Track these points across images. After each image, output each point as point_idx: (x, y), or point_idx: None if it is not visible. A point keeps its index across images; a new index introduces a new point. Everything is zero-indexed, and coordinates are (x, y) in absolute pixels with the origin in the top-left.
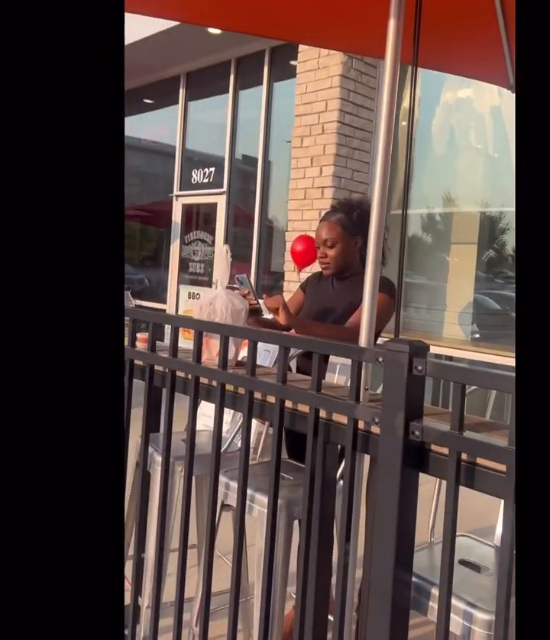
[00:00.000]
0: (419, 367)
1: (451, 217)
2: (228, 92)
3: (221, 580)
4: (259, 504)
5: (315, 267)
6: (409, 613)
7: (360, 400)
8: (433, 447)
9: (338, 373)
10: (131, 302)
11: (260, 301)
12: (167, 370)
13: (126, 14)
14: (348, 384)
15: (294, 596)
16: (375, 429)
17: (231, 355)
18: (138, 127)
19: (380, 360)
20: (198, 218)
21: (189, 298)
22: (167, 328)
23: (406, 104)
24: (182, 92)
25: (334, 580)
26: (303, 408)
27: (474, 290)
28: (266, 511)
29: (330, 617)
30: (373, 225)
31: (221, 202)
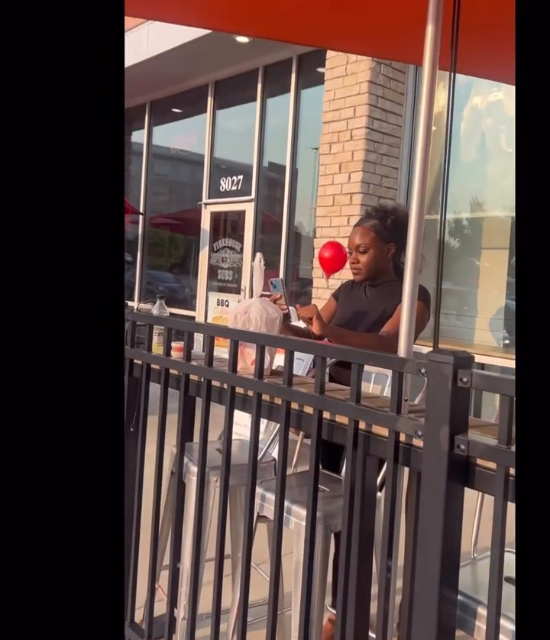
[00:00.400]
0: (465, 379)
1: (482, 222)
2: (255, 100)
3: (255, 590)
4: (295, 516)
5: (344, 274)
6: (454, 632)
7: (401, 412)
8: (479, 461)
9: (373, 383)
10: (165, 310)
11: (291, 308)
12: (203, 380)
13: (153, 24)
14: (384, 394)
15: (329, 609)
16: (417, 442)
17: (265, 364)
18: (167, 136)
19: (423, 371)
20: (227, 226)
21: (218, 305)
22: (197, 336)
23: (437, 109)
24: (209, 100)
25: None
26: (341, 419)
27: (505, 296)
28: (303, 523)
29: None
30: (412, 231)
31: (250, 210)
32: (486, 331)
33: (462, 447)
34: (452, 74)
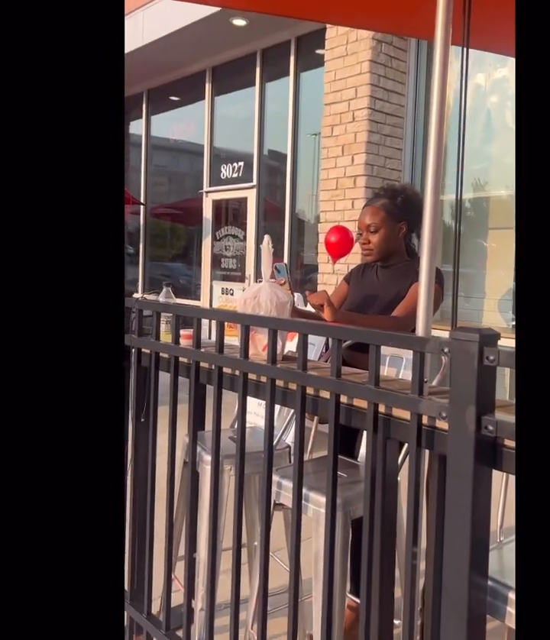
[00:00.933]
0: (491, 357)
1: (487, 202)
2: (254, 84)
3: (271, 578)
4: (314, 503)
5: (350, 259)
6: (485, 619)
7: (423, 394)
8: (507, 441)
9: (387, 365)
10: (172, 297)
11: (297, 294)
12: (214, 367)
13: (148, 10)
14: (399, 377)
15: (348, 595)
16: (440, 424)
17: (278, 349)
18: (165, 125)
19: (446, 350)
20: (228, 214)
21: (223, 294)
22: (203, 325)
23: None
24: (208, 87)
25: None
26: (358, 402)
27: (513, 276)
28: (321, 510)
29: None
30: (428, 211)
31: (251, 196)
32: (494, 312)
33: (490, 427)
34: (465, 48)
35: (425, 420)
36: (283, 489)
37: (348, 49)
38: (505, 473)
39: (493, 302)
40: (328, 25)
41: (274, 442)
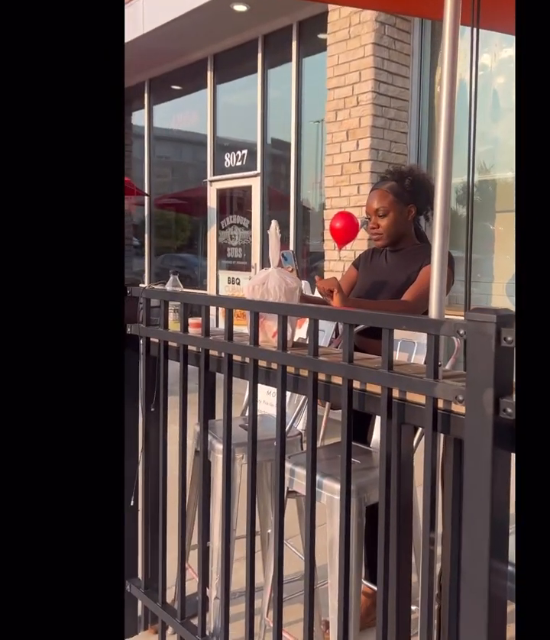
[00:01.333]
0: (509, 338)
1: (494, 184)
2: (256, 71)
3: (285, 565)
4: (327, 490)
5: (356, 245)
6: (506, 605)
7: (438, 377)
8: None
9: (399, 350)
10: (179, 285)
11: (304, 282)
12: (224, 355)
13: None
14: (411, 361)
15: (363, 582)
16: (456, 408)
17: (287, 336)
18: (167, 115)
19: (461, 332)
20: (233, 203)
21: (229, 283)
22: (212, 313)
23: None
24: (209, 75)
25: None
26: (372, 387)
27: None
28: (335, 497)
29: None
30: (440, 193)
31: (256, 185)
32: (503, 297)
33: (508, 410)
34: (474, 28)
35: (440, 404)
36: (296, 477)
37: (351, 32)
38: None
39: (501, 285)
40: (330, 8)
41: (285, 429)
